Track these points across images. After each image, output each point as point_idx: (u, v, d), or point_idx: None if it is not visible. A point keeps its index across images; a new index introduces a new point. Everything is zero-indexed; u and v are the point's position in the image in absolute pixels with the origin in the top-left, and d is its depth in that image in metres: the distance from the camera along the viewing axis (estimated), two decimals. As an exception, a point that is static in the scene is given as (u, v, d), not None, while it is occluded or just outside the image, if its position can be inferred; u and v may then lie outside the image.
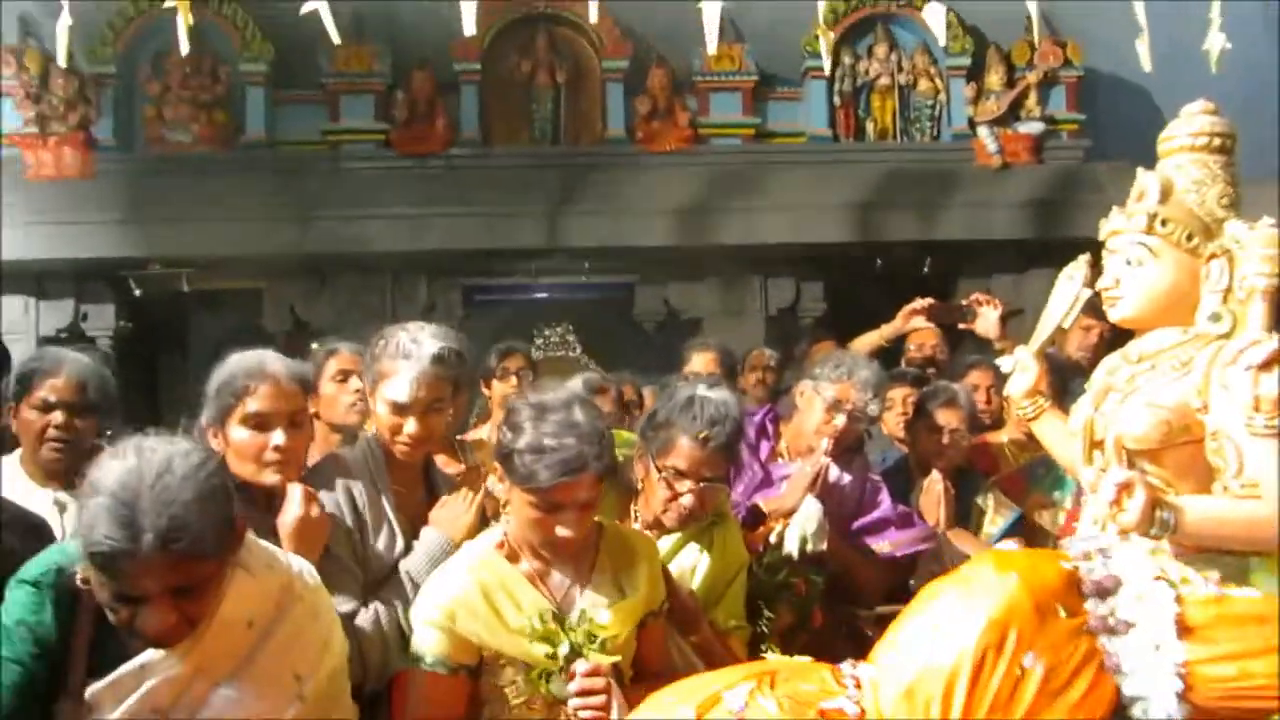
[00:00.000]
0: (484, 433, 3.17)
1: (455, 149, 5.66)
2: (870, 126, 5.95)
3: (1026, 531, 2.96)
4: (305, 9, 3.08)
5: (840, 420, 2.67)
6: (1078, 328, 3.42)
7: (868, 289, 5.64)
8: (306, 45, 5.25)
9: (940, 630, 1.18)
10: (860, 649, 2.48)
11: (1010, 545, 1.53)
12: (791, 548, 2.43)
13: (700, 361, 3.80)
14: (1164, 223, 1.82)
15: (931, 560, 2.76)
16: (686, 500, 2.10)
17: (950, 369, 3.67)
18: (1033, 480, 3.09)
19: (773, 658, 1.93)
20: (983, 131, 5.73)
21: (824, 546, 2.46)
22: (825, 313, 5.93)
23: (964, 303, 3.62)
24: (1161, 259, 1.82)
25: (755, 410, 3.11)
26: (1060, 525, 2.87)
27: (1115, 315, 1.89)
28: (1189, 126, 1.90)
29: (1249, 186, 1.90)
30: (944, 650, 1.15)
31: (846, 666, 1.31)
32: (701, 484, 2.10)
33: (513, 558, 1.87)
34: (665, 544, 2.17)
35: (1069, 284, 2.07)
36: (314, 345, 3.23)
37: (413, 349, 2.00)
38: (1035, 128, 5.78)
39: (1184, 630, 1.39)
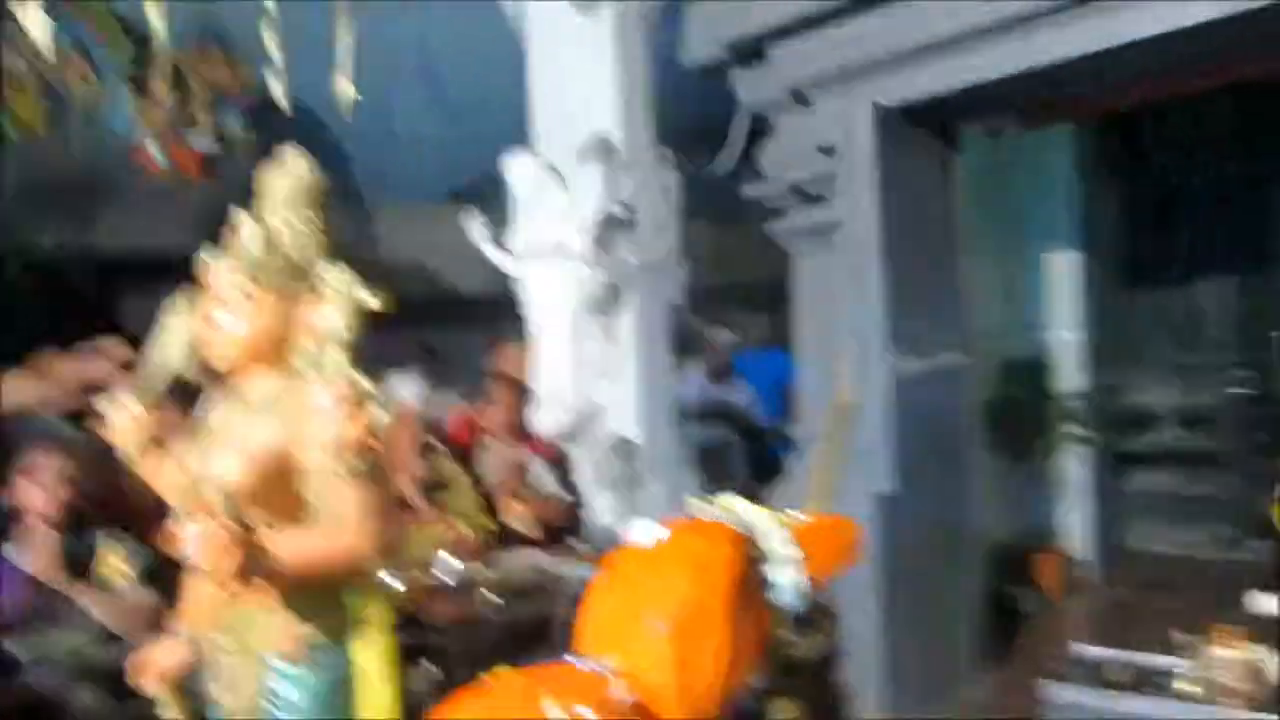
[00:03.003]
0: None
1: None
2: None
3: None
4: None
5: None
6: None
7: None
8: None
9: (700, 605, 1.23)
10: None
11: (655, 527, 1.49)
12: None
13: None
14: (261, 265, 1.86)
15: None
16: None
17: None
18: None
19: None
20: (149, 142, 5.41)
21: None
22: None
23: None
24: (259, 301, 1.85)
25: None
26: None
27: (215, 357, 1.89)
28: (289, 172, 1.97)
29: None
30: (708, 622, 1.21)
31: (577, 662, 1.24)
32: None
33: None
34: None
35: (175, 322, 1.97)
36: None
37: None
38: (206, 144, 5.63)
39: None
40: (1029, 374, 5.44)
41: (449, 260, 5.55)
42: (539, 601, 2.93)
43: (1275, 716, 2.75)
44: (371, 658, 1.88)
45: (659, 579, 1.25)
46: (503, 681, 1.24)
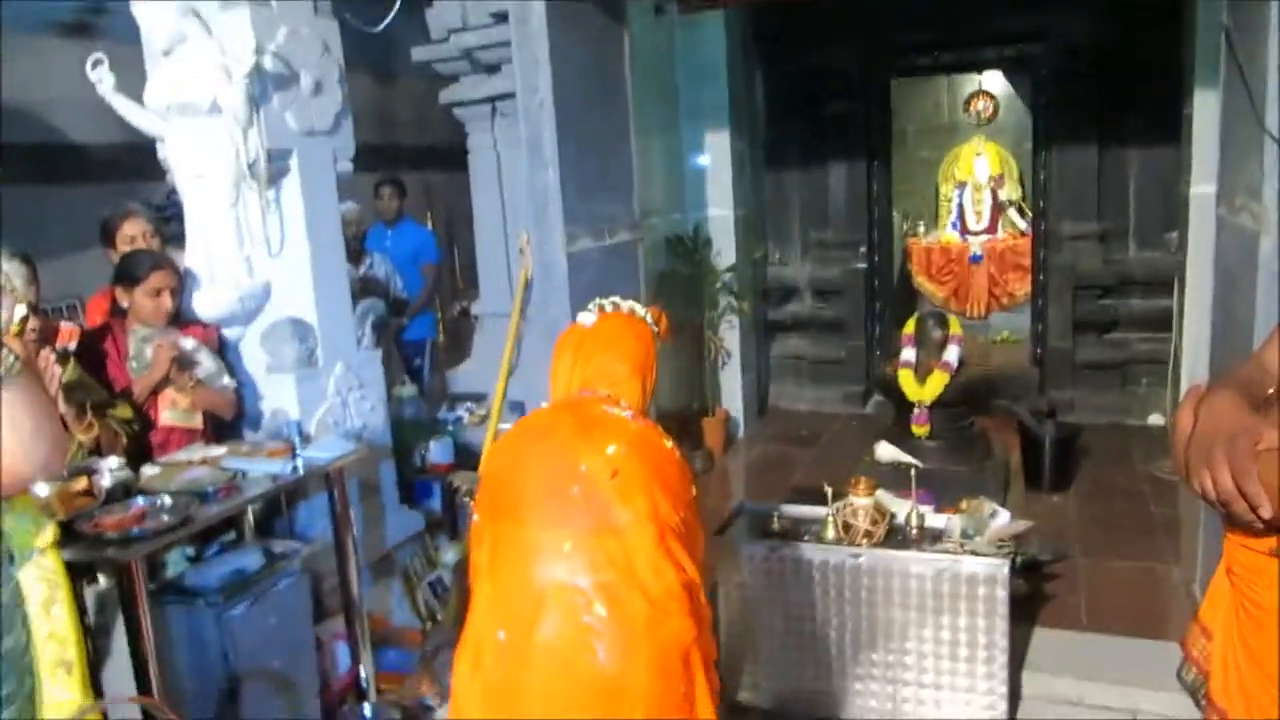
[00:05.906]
0: None
1: None
2: None
3: None
4: None
5: None
6: None
7: None
8: None
9: (645, 353, 2.03)
10: None
11: (591, 313, 2.08)
12: None
13: None
14: None
15: None
16: None
17: None
18: None
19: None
20: None
21: None
22: None
23: None
24: None
25: None
26: None
27: None
28: None
29: None
30: (647, 363, 2.03)
31: (587, 393, 1.95)
32: None
33: None
34: None
35: None
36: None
37: None
38: None
39: None
40: (689, 249, 5.74)
41: (68, 104, 4.71)
42: (221, 501, 2.68)
43: (896, 550, 3.24)
44: (39, 582, 1.61)
45: (620, 340, 2.00)
46: (563, 403, 1.95)
